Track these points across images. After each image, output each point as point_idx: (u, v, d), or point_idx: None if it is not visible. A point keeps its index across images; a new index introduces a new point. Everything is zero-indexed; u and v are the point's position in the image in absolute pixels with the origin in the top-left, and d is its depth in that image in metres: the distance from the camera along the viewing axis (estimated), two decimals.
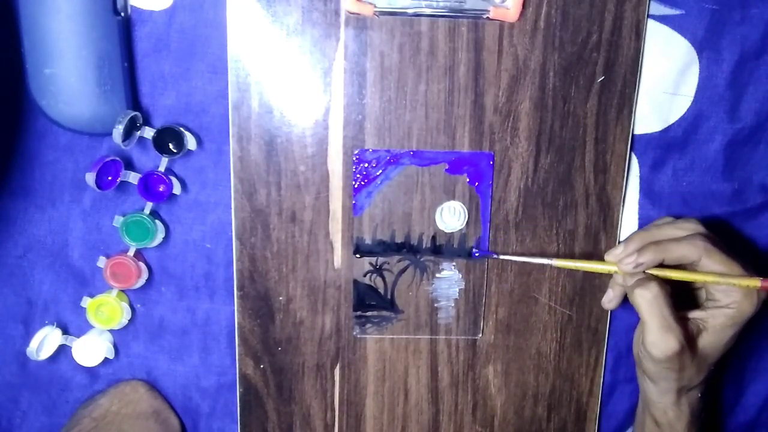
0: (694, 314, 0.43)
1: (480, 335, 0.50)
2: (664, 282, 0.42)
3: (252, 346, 0.49)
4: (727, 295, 0.42)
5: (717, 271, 0.42)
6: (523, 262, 0.48)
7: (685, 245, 0.42)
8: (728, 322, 0.42)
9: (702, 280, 0.42)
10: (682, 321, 0.42)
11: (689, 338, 0.42)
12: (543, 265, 0.48)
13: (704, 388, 0.46)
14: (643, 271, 0.43)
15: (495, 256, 0.47)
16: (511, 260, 0.48)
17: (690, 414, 0.45)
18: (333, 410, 0.51)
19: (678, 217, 0.49)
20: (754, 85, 0.48)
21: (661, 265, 0.43)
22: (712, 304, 0.43)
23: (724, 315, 0.42)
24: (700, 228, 0.44)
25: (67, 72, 0.42)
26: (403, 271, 0.48)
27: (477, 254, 0.47)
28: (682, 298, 0.45)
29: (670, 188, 0.49)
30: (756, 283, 0.41)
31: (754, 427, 0.56)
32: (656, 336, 0.41)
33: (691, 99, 0.48)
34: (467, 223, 0.47)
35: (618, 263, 0.44)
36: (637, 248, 0.44)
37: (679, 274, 0.43)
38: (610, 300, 0.48)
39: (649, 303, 0.41)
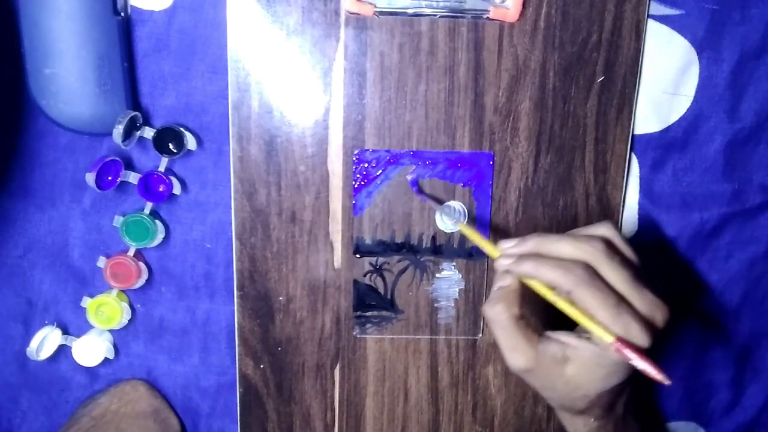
0: (563, 337, 0.38)
1: (480, 335, 0.50)
2: (528, 292, 0.39)
3: (252, 346, 0.49)
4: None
5: (584, 309, 0.37)
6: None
7: (560, 272, 0.37)
8: (594, 360, 0.37)
9: (563, 310, 0.38)
10: (543, 343, 0.38)
11: (548, 361, 0.38)
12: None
13: (609, 421, 0.42)
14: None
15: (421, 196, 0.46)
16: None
17: None
18: (333, 410, 0.51)
19: (677, 218, 0.50)
20: (754, 85, 0.48)
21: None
22: (584, 335, 0.38)
23: (591, 351, 0.37)
24: (596, 252, 0.38)
25: (67, 72, 0.42)
26: (403, 271, 0.48)
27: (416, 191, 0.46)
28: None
29: (670, 188, 0.49)
30: (609, 338, 0.36)
31: (754, 427, 0.56)
32: (503, 351, 0.39)
33: (691, 99, 0.48)
34: (467, 223, 0.47)
35: (500, 255, 0.40)
36: (524, 251, 0.39)
37: (544, 293, 0.38)
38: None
39: (493, 321, 0.39)
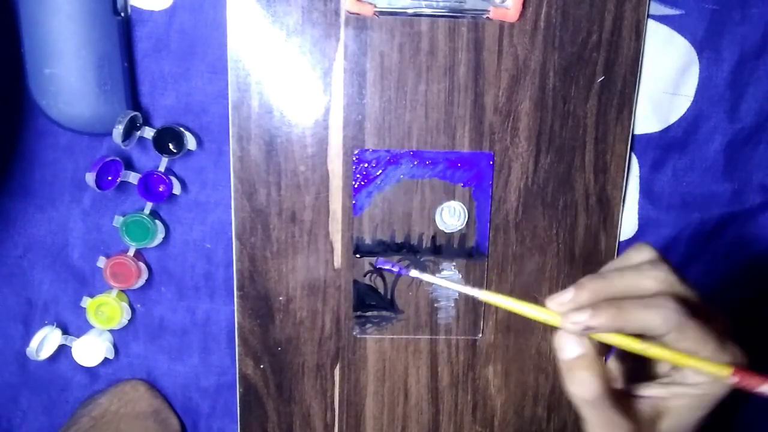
0: (651, 392, 0.34)
1: (480, 335, 0.50)
2: (610, 357, 0.34)
3: (252, 346, 0.49)
4: (695, 373, 0.32)
5: (685, 349, 0.31)
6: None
7: (654, 313, 0.31)
8: (695, 404, 0.33)
9: (665, 359, 0.32)
10: (633, 406, 0.33)
11: (644, 423, 0.33)
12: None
13: None
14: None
15: (402, 273, 0.38)
16: (421, 278, 0.37)
17: None
18: (333, 410, 0.51)
19: (677, 218, 0.50)
20: (754, 85, 0.48)
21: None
22: (675, 381, 0.33)
23: (690, 397, 0.33)
24: (671, 277, 0.32)
25: (67, 72, 0.42)
26: None
27: (378, 265, 0.42)
28: (636, 365, 0.36)
29: (670, 188, 0.49)
30: (726, 372, 0.31)
31: (754, 427, 0.56)
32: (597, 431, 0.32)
33: (691, 99, 0.48)
34: (467, 223, 0.47)
35: (562, 317, 0.32)
36: (589, 301, 0.32)
37: (637, 346, 0.32)
38: (562, 349, 0.33)
39: (587, 403, 0.31)
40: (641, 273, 0.32)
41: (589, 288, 0.32)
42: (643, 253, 0.34)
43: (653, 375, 0.35)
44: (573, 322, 0.31)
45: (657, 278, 0.32)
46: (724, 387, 0.32)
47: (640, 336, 0.32)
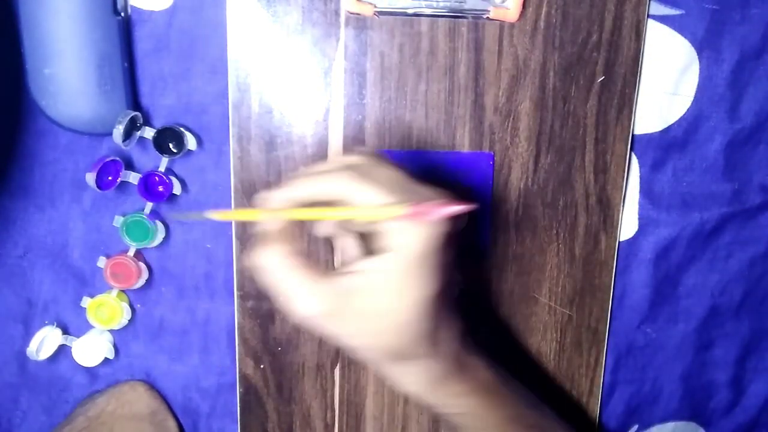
0: (350, 267, 0.34)
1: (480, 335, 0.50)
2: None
3: (252, 346, 0.49)
4: (388, 236, 0.32)
5: (362, 202, 0.32)
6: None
7: (329, 177, 0.33)
8: (393, 269, 0.32)
9: (337, 216, 0.35)
10: (327, 277, 0.33)
11: (346, 296, 0.33)
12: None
13: (440, 361, 0.36)
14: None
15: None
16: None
17: (431, 388, 0.36)
18: (333, 410, 0.51)
19: (677, 218, 0.50)
20: (754, 85, 0.48)
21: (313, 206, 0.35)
22: (376, 250, 0.33)
23: (385, 261, 0.32)
24: (355, 159, 0.35)
25: (67, 72, 0.42)
26: None
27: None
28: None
29: (670, 188, 0.49)
30: (399, 211, 0.31)
31: (754, 427, 0.56)
32: (290, 300, 0.33)
33: (691, 99, 0.48)
34: (467, 222, 0.47)
35: (262, 205, 0.35)
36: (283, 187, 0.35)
37: (313, 212, 0.34)
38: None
39: (268, 269, 0.33)
40: (328, 163, 0.36)
41: (289, 182, 0.35)
42: (347, 157, 0.36)
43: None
44: (271, 201, 0.35)
45: (340, 161, 0.35)
46: (414, 238, 0.32)
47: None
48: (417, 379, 0.36)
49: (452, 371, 0.36)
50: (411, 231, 0.32)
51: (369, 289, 0.33)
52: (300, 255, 0.33)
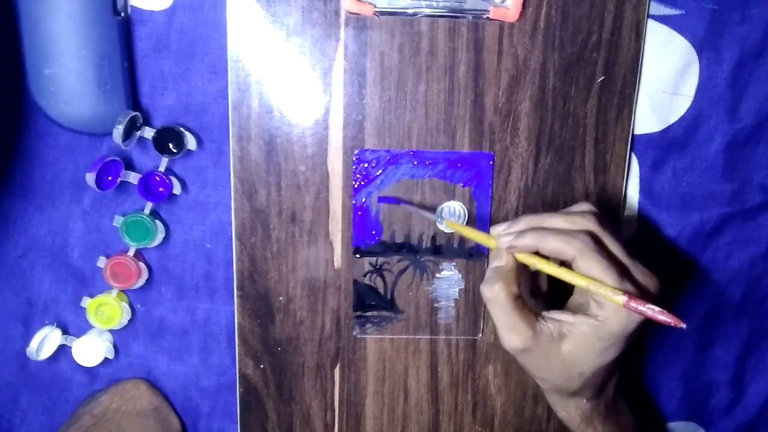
0: (558, 315, 0.40)
1: (480, 335, 0.50)
2: (522, 276, 0.40)
3: (252, 346, 0.49)
4: (599, 305, 0.38)
5: (588, 274, 0.38)
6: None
7: (563, 240, 0.38)
8: (593, 334, 0.38)
9: (564, 278, 0.38)
10: (540, 322, 0.39)
11: (545, 340, 0.39)
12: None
13: (600, 402, 0.43)
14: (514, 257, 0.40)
15: (397, 202, 0.46)
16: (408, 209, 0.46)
17: (580, 420, 0.43)
18: (333, 410, 0.51)
19: (677, 218, 0.50)
20: (754, 85, 0.48)
21: (537, 254, 0.40)
22: (581, 310, 0.39)
23: (589, 325, 0.38)
24: (591, 224, 0.40)
25: (67, 72, 0.42)
26: (403, 271, 0.48)
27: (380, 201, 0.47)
28: (560, 293, 0.44)
29: (670, 188, 0.49)
30: (618, 299, 0.36)
31: (754, 427, 0.56)
32: (500, 332, 0.39)
33: (691, 99, 0.48)
34: (467, 223, 0.47)
35: (497, 238, 0.41)
36: (520, 229, 0.40)
37: (545, 265, 0.39)
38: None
39: (491, 301, 0.39)
40: (569, 216, 0.40)
41: (522, 220, 0.41)
42: (582, 206, 0.42)
43: (567, 308, 0.42)
44: (503, 241, 0.40)
45: (580, 222, 0.40)
46: (620, 323, 0.38)
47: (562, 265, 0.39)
48: (574, 411, 0.43)
49: (603, 412, 0.43)
50: (622, 313, 0.37)
51: (570, 341, 0.39)
52: (519, 297, 0.39)
